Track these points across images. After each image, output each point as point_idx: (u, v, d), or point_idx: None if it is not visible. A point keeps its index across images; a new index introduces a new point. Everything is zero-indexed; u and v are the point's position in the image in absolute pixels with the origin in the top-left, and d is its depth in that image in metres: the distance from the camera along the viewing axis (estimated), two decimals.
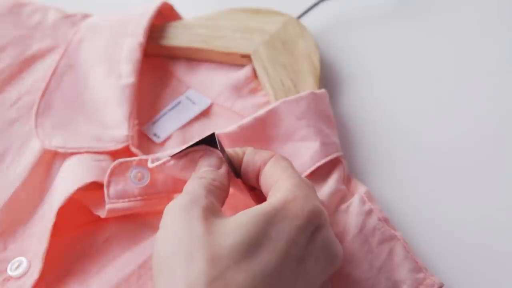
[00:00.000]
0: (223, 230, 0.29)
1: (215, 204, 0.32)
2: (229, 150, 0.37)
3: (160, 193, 0.39)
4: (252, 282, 0.27)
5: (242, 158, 0.36)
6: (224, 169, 0.35)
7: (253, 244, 0.29)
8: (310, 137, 0.42)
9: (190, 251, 0.28)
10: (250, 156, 0.36)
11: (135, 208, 0.39)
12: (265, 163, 0.35)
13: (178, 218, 0.30)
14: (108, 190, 0.39)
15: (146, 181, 0.39)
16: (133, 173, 0.39)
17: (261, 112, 0.42)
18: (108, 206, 0.38)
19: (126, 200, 0.39)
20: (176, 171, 0.37)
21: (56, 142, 0.43)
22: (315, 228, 0.31)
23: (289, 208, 0.30)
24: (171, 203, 0.32)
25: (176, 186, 0.39)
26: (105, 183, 0.39)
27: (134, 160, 0.40)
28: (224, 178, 0.35)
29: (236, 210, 0.33)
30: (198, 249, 0.28)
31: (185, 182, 0.35)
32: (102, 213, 0.39)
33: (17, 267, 0.38)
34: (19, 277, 0.38)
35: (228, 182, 0.35)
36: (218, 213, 0.31)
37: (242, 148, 0.37)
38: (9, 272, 0.38)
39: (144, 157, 0.40)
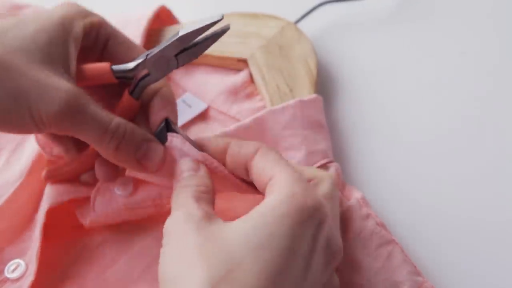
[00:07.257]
0: (223, 235, 0.29)
1: (208, 210, 0.32)
2: (210, 137, 0.36)
3: (145, 204, 0.39)
4: (257, 282, 0.27)
5: (222, 148, 0.35)
6: (203, 169, 0.34)
7: (256, 245, 0.28)
8: (295, 146, 0.41)
9: (191, 260, 0.28)
10: (235, 149, 0.35)
11: (119, 219, 0.40)
12: (252, 157, 0.34)
13: (177, 232, 0.30)
14: (93, 203, 0.39)
15: (129, 191, 0.39)
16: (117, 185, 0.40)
17: (246, 121, 0.41)
18: (90, 218, 0.39)
19: (110, 211, 0.39)
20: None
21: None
22: (318, 223, 0.30)
23: (289, 206, 0.29)
24: (167, 222, 0.31)
25: (161, 196, 0.39)
26: (92, 196, 0.39)
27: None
28: (207, 179, 0.34)
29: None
30: (198, 258, 0.28)
31: (169, 190, 0.35)
32: (85, 222, 0.39)
33: (14, 270, 0.38)
34: (17, 280, 0.38)
35: (211, 180, 0.34)
36: (214, 219, 0.31)
37: (224, 138, 0.36)
38: (6, 274, 0.38)
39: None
